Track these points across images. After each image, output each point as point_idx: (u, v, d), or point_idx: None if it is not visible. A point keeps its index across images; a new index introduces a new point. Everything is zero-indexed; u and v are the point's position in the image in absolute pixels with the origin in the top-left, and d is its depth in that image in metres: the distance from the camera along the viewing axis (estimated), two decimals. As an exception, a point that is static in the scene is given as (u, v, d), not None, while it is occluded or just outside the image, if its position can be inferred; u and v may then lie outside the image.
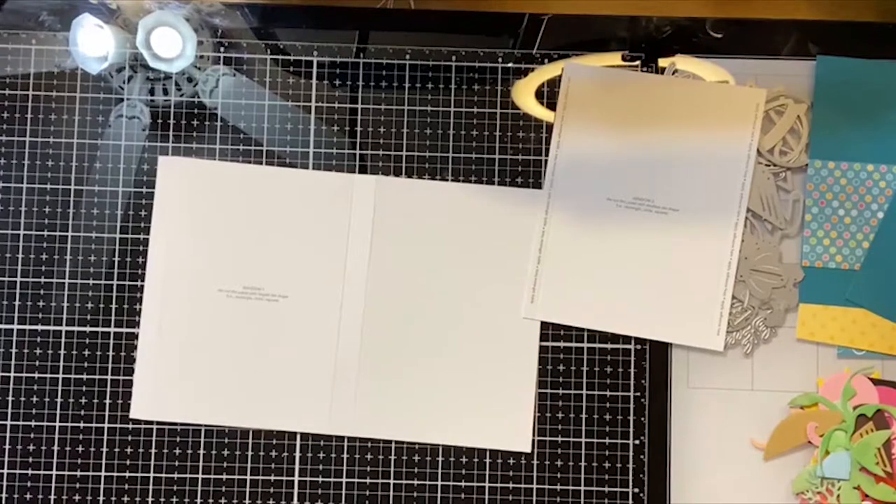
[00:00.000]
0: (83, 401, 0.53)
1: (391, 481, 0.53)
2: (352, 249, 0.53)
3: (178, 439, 0.53)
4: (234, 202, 0.53)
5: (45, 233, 0.53)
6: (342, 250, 0.53)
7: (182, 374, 0.52)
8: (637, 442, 0.53)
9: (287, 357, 0.53)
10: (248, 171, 0.54)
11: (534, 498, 0.53)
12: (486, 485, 0.53)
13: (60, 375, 0.53)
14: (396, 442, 0.53)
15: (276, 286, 0.53)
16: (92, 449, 0.53)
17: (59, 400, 0.53)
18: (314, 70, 0.55)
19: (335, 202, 0.53)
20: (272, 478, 0.53)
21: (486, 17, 0.55)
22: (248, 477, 0.53)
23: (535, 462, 0.53)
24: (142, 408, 0.53)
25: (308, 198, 0.53)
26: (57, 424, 0.53)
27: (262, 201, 0.53)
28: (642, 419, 0.53)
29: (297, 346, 0.53)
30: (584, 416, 0.53)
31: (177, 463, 0.52)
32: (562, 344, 0.53)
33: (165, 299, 0.53)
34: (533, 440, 0.53)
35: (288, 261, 0.53)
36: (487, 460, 0.53)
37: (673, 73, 0.54)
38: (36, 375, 0.53)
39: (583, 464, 0.53)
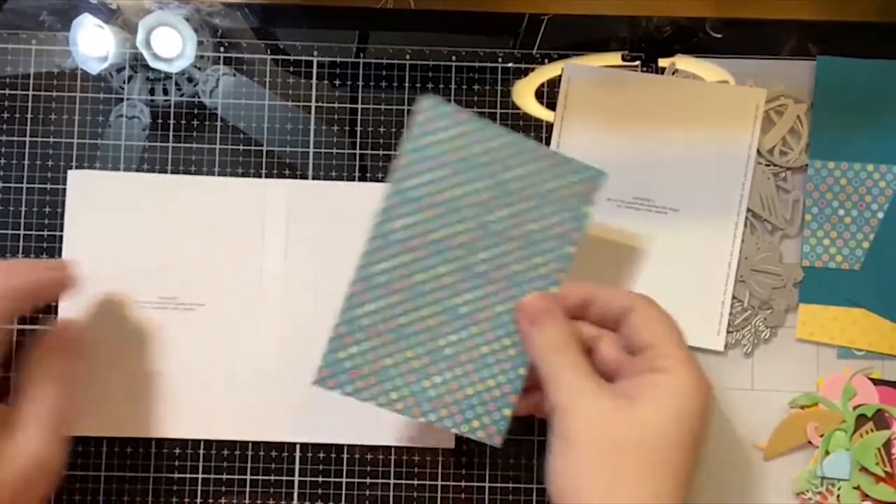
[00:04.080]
0: (83, 401, 0.53)
1: (391, 481, 0.53)
2: (267, 254, 0.53)
3: (177, 439, 0.53)
4: (145, 212, 0.53)
5: (45, 233, 0.53)
6: (258, 255, 0.53)
7: (101, 387, 0.52)
8: (637, 442, 0.53)
9: (207, 364, 0.52)
10: (157, 180, 0.53)
11: (534, 497, 0.53)
12: (486, 485, 0.53)
13: (60, 375, 0.53)
14: (396, 445, 0.53)
15: (193, 295, 0.52)
16: (92, 449, 0.53)
17: (59, 400, 0.53)
18: (314, 70, 0.55)
19: (247, 208, 0.53)
20: (272, 478, 0.53)
21: (486, 17, 0.55)
22: (248, 477, 0.53)
23: (535, 462, 0.53)
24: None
25: (220, 204, 0.53)
26: (57, 424, 0.53)
27: (174, 210, 0.53)
28: (642, 419, 0.53)
29: (217, 353, 0.52)
30: (584, 416, 0.53)
31: (177, 463, 0.52)
32: (562, 344, 0.53)
33: (85, 313, 0.52)
34: (533, 440, 0.53)
35: (204, 269, 0.53)
36: (487, 460, 0.53)
37: (673, 73, 0.54)
38: (36, 375, 0.53)
39: (583, 464, 0.53)
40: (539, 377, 0.43)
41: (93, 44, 0.52)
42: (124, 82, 0.54)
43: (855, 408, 0.52)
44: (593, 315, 0.45)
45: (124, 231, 0.53)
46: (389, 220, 0.45)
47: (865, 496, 0.52)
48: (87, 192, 0.53)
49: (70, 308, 0.52)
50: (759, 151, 0.54)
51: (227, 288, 0.53)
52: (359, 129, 0.55)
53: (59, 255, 0.53)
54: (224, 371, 0.52)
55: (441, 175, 0.45)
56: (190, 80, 0.54)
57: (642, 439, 0.40)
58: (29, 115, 0.54)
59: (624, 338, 0.44)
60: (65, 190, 0.53)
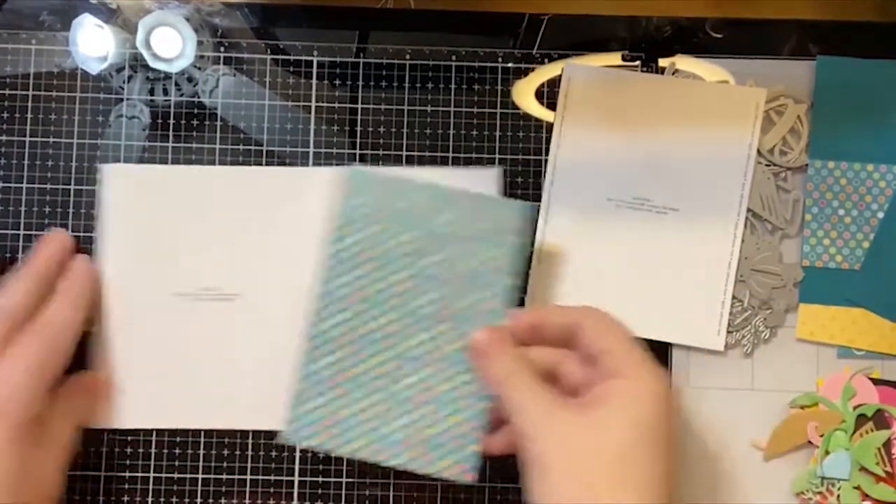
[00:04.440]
0: (83, 401, 0.53)
1: (391, 481, 0.53)
2: (307, 242, 0.52)
3: (178, 439, 0.53)
4: (182, 205, 0.53)
5: (45, 233, 0.53)
6: (298, 243, 0.52)
7: (141, 379, 0.52)
8: (637, 442, 0.53)
9: (250, 355, 0.52)
10: (194, 172, 0.53)
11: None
12: (486, 485, 0.53)
13: (60, 375, 0.53)
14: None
15: (234, 285, 0.52)
16: (92, 449, 0.53)
17: (59, 400, 0.53)
18: (314, 70, 0.55)
19: (288, 196, 0.53)
20: (272, 478, 0.53)
21: (486, 17, 0.55)
22: (248, 477, 0.53)
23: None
24: (102, 416, 0.52)
25: (260, 194, 0.53)
26: (57, 424, 0.53)
27: (212, 201, 0.53)
28: (642, 419, 0.53)
29: (259, 343, 0.52)
30: (584, 416, 0.53)
31: (177, 463, 0.53)
32: (562, 344, 0.53)
33: (124, 307, 0.52)
34: (533, 440, 0.53)
35: (245, 259, 0.53)
36: (487, 460, 0.53)
37: (673, 73, 0.54)
38: (36, 375, 0.53)
39: (583, 464, 0.53)
40: (504, 410, 0.44)
41: (93, 44, 0.52)
42: (124, 82, 0.54)
43: (855, 408, 0.52)
44: (548, 337, 0.45)
45: (162, 223, 0.53)
46: (329, 279, 0.48)
47: (865, 496, 0.52)
48: (123, 186, 0.53)
49: (112, 305, 0.52)
50: (759, 151, 0.54)
51: (267, 278, 0.52)
52: (359, 129, 0.55)
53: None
54: (263, 361, 0.52)
55: (371, 233, 0.48)
56: (190, 80, 0.54)
57: (604, 446, 0.40)
58: (29, 115, 0.54)
59: (582, 353, 0.44)
60: (65, 190, 0.53)
